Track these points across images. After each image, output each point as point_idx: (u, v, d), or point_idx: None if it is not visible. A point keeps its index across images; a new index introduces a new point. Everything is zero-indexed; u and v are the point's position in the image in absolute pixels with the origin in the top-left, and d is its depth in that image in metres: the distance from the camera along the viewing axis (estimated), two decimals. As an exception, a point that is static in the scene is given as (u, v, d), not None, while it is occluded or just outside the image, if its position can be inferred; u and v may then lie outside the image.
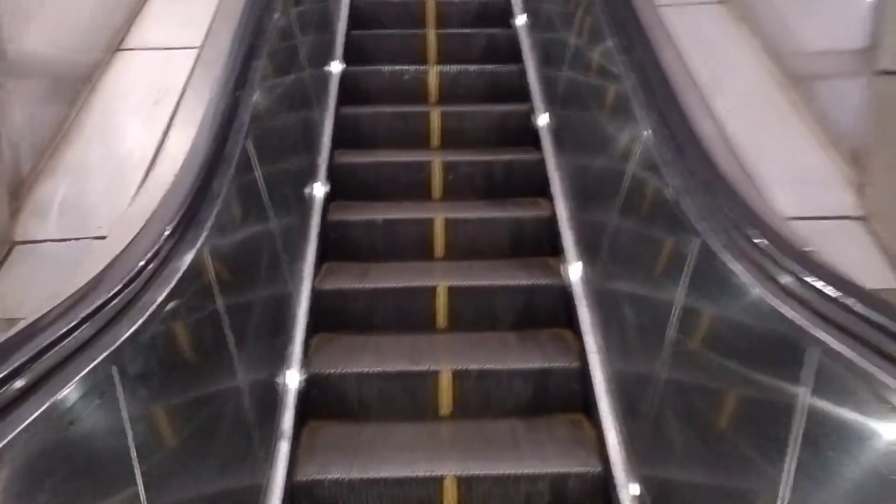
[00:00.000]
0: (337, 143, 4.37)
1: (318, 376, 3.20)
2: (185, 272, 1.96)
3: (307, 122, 3.97)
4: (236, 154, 2.52)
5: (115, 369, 1.56)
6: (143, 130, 2.56)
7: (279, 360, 3.01)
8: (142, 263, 1.81)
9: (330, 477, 2.81)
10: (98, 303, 1.60)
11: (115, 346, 1.58)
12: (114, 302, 1.65)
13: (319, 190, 3.94)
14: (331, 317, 3.55)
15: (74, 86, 2.81)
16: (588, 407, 3.18)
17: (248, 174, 2.70)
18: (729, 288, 2.08)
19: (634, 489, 2.70)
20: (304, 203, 3.71)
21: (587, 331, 3.31)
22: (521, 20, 5.15)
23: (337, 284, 3.59)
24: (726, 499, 2.13)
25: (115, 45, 3.06)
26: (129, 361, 1.64)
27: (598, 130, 3.60)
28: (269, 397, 2.83)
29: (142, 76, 2.89)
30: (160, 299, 1.81)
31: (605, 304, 3.24)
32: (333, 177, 4.16)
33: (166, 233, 1.97)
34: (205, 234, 2.15)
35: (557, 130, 4.22)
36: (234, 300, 2.44)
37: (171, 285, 1.88)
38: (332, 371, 3.20)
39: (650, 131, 2.76)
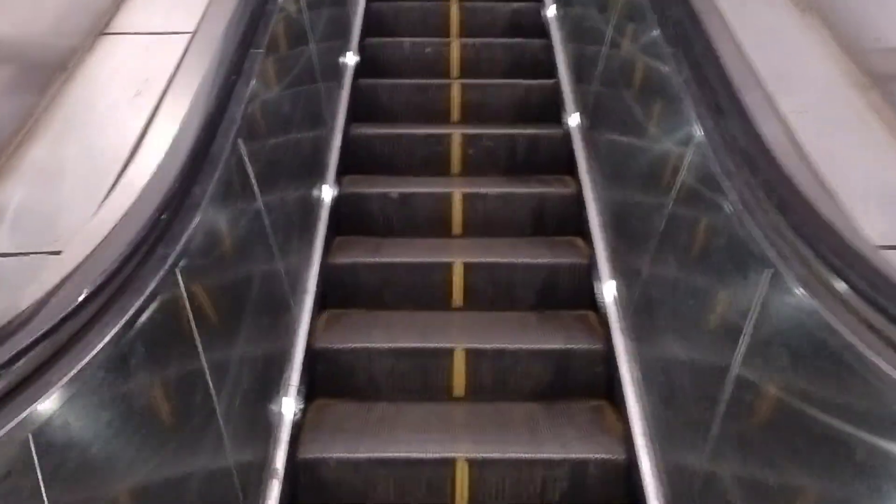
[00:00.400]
0: (352, 118, 4.29)
1: (325, 351, 3.11)
2: (144, 301, 1.68)
3: (319, 98, 3.84)
4: (225, 152, 2.32)
5: (30, 438, 1.29)
6: (121, 126, 2.31)
7: (284, 336, 2.92)
8: (82, 297, 1.51)
9: (335, 455, 2.73)
10: (21, 346, 1.34)
11: (35, 407, 1.31)
12: (40, 347, 1.38)
13: (331, 163, 3.85)
14: (341, 292, 3.47)
15: (47, 74, 2.55)
16: (612, 392, 3.08)
17: (239, 174, 2.50)
18: (795, 315, 1.84)
19: (660, 480, 2.59)
20: (314, 178, 3.60)
21: (613, 314, 3.20)
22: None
23: (348, 258, 3.51)
24: (758, 494, 2.02)
25: (99, 28, 2.82)
26: (56, 426, 1.36)
27: (636, 116, 3.46)
28: (272, 372, 2.73)
29: (125, 64, 2.66)
30: (107, 339, 1.52)
31: (634, 286, 3.13)
32: (347, 150, 4.07)
33: (123, 254, 1.67)
34: (178, 249, 1.89)
35: (590, 123, 4.06)
36: (221, 308, 2.26)
37: (123, 321, 1.60)
38: (340, 346, 3.11)
39: (703, 128, 2.53)
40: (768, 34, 2.85)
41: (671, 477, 2.54)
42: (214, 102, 2.31)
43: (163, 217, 1.88)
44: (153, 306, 1.73)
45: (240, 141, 2.43)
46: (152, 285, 1.74)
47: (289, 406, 2.78)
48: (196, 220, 2.02)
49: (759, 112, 2.26)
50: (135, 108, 2.35)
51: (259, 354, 2.64)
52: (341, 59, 4.47)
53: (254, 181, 2.58)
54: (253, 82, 2.67)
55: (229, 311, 2.37)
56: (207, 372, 2.03)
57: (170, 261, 1.85)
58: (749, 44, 2.65)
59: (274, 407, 2.68)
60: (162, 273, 1.80)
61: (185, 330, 1.95)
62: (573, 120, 4.19)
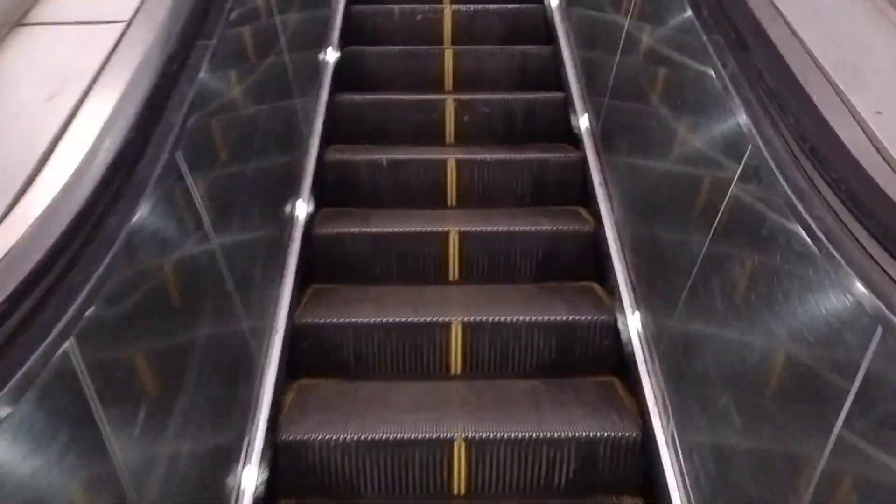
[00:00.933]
0: (337, 90, 4.08)
1: (309, 327, 2.91)
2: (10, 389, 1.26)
3: (290, 79, 3.45)
4: (157, 169, 1.89)
5: None
6: (27, 136, 1.88)
7: (263, 313, 2.69)
8: None
9: (320, 437, 2.52)
10: None
11: None
12: None
13: (314, 136, 3.63)
14: (328, 267, 3.27)
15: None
16: (622, 367, 2.89)
17: (179, 193, 2.07)
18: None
19: (679, 458, 2.39)
20: (291, 155, 3.34)
21: (622, 284, 3.01)
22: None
23: (334, 229, 3.30)
24: (785, 473, 1.82)
25: (16, 18, 2.38)
26: None
27: (649, 86, 3.20)
28: (250, 352, 2.51)
29: (42, 60, 2.23)
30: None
31: (644, 255, 2.92)
32: (332, 123, 3.86)
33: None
34: (73, 309, 1.44)
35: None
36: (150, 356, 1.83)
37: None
38: (326, 321, 2.91)
39: (752, 118, 2.11)
40: (824, 17, 2.34)
41: (691, 455, 2.34)
42: (146, 106, 1.91)
43: (58, 263, 1.43)
44: (29, 397, 1.29)
45: (179, 153, 2.02)
46: (26, 366, 1.29)
47: (268, 388, 2.57)
48: (106, 262, 1.58)
49: (831, 112, 1.82)
50: (47, 115, 1.91)
51: (228, 352, 2.36)
52: (323, 32, 4.24)
53: (197, 199, 2.15)
54: (201, 78, 2.28)
55: (170, 349, 1.95)
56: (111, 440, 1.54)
57: (59, 326, 1.39)
58: (801, 27, 2.18)
59: (251, 391, 2.46)
60: (44, 347, 1.34)
61: (85, 416, 1.47)
62: (575, 88, 3.99)
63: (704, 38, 2.49)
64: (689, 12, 2.67)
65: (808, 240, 1.70)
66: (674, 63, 2.90)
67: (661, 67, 3.07)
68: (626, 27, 3.49)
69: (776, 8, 2.25)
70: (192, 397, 1.98)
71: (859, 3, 2.41)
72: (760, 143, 2.02)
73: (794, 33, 2.15)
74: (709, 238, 2.37)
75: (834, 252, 1.59)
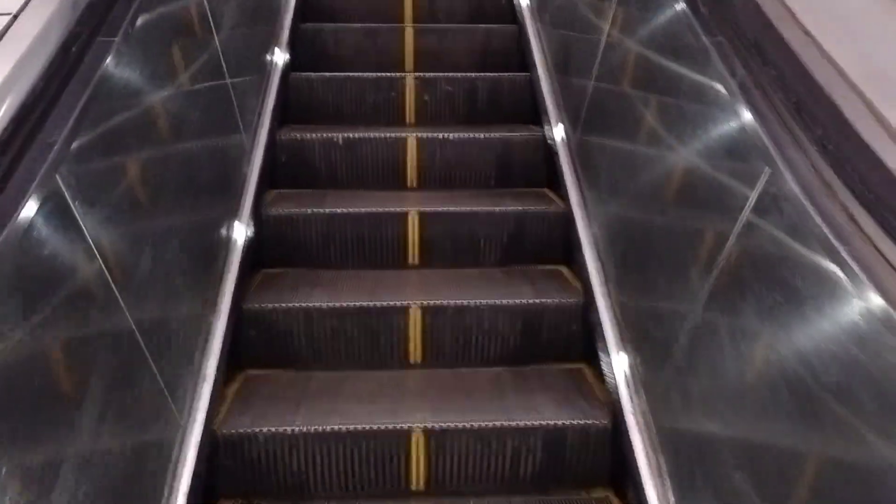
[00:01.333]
0: (293, 67, 3.88)
1: (257, 313, 2.71)
2: None
3: (222, 63, 3.03)
4: (26, 199, 1.53)
5: None
6: None
7: (202, 300, 2.48)
8: None
9: (266, 430, 2.32)
10: None
11: None
12: None
13: (266, 112, 3.42)
14: (278, 250, 3.07)
15: None
16: (591, 352, 2.71)
17: (58, 223, 1.67)
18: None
19: (652, 447, 2.23)
20: (239, 131, 3.10)
21: (591, 266, 2.84)
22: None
23: (286, 210, 3.10)
24: (770, 463, 1.66)
25: None
26: None
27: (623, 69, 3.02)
28: (186, 342, 2.29)
29: None
30: None
31: (613, 235, 2.76)
32: (285, 98, 3.66)
33: None
34: None
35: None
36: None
37: None
38: (275, 306, 2.71)
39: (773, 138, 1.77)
40: (842, 19, 2.01)
41: (665, 443, 2.18)
42: (12, 123, 1.60)
43: None
44: None
45: (58, 176, 1.66)
46: None
47: (208, 379, 2.35)
48: None
49: (866, 130, 1.54)
50: None
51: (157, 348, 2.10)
52: (277, 9, 4.02)
53: (84, 228, 1.77)
54: (97, 81, 1.93)
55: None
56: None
57: None
58: (818, 32, 1.88)
59: (187, 383, 2.24)
60: None
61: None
62: (540, 65, 3.83)
63: (705, 39, 2.27)
64: (683, 6, 2.46)
65: (846, 278, 1.43)
66: (669, 65, 2.69)
67: (652, 65, 2.86)
68: (611, 9, 3.30)
69: (789, 9, 1.94)
70: (106, 399, 1.75)
71: (879, 3, 2.09)
72: (781, 167, 1.72)
73: (813, 38, 1.84)
74: (689, 237, 2.21)
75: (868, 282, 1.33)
